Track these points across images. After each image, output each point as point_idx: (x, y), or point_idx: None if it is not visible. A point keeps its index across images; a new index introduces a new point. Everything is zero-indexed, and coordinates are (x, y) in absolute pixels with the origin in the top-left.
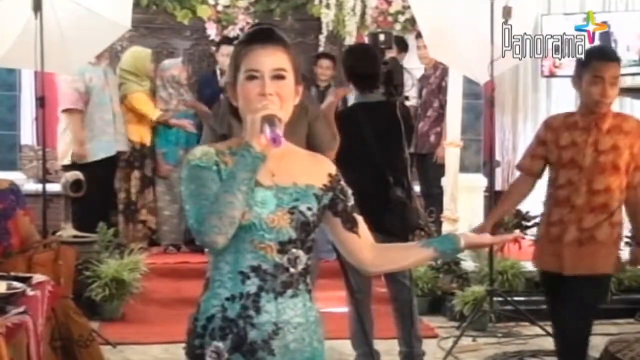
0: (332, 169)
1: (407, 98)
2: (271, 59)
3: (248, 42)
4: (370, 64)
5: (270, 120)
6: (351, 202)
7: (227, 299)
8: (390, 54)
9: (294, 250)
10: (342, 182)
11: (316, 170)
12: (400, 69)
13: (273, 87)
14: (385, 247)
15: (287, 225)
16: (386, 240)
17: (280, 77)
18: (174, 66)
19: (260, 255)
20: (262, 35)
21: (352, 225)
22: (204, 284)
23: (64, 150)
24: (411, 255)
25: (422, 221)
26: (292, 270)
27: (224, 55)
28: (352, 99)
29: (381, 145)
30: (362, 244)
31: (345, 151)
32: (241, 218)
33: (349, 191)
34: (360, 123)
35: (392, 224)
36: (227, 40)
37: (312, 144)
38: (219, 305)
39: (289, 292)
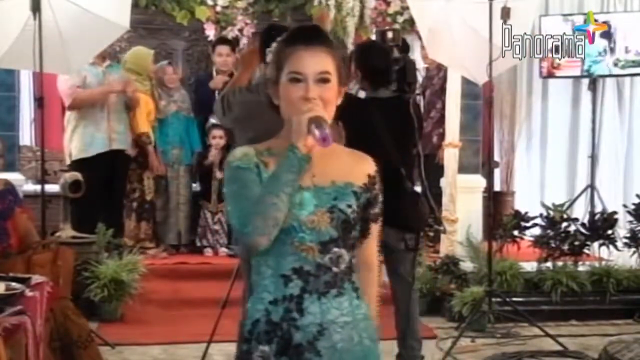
0: (372, 169)
1: (419, 95)
2: (315, 62)
3: (292, 41)
4: (383, 60)
5: (317, 121)
6: (376, 209)
7: (271, 302)
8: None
9: (335, 249)
10: (378, 186)
11: (356, 169)
12: (413, 66)
13: (317, 90)
14: (363, 277)
15: (328, 225)
16: (399, 234)
17: (324, 81)
18: (160, 68)
19: (302, 256)
20: (306, 36)
21: (363, 234)
22: (248, 289)
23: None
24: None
25: (432, 217)
26: (334, 269)
27: (221, 56)
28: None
29: (394, 139)
30: (356, 253)
31: (358, 145)
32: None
33: (379, 197)
34: (373, 117)
35: (407, 216)
36: (222, 41)
37: None
38: (263, 310)
39: (333, 291)
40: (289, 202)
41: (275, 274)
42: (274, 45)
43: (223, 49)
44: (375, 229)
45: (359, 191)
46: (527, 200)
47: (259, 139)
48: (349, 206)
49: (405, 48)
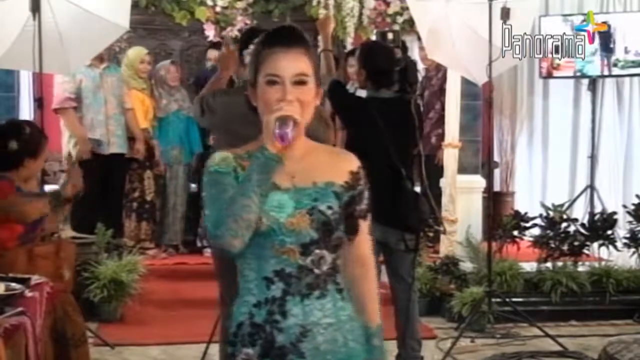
0: (355, 165)
1: (420, 95)
2: (293, 65)
3: (269, 43)
4: (386, 60)
5: (281, 120)
6: (363, 205)
7: (255, 305)
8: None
9: (317, 251)
10: (363, 182)
11: (337, 167)
12: (414, 67)
13: (294, 93)
14: (357, 273)
15: (308, 226)
16: (399, 234)
17: (301, 83)
18: (163, 67)
19: (283, 259)
20: (284, 37)
21: (351, 231)
22: (228, 291)
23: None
24: (358, 306)
25: (431, 218)
26: (316, 271)
27: (210, 61)
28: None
29: (395, 139)
30: (347, 251)
31: (359, 144)
32: (259, 224)
33: (366, 193)
34: (374, 116)
35: (407, 216)
36: (213, 46)
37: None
38: (246, 312)
39: (316, 293)
40: (261, 203)
41: (258, 276)
42: (252, 47)
43: (213, 53)
44: (364, 225)
45: (339, 191)
46: (527, 200)
47: (241, 141)
48: (330, 207)
49: (403, 49)
